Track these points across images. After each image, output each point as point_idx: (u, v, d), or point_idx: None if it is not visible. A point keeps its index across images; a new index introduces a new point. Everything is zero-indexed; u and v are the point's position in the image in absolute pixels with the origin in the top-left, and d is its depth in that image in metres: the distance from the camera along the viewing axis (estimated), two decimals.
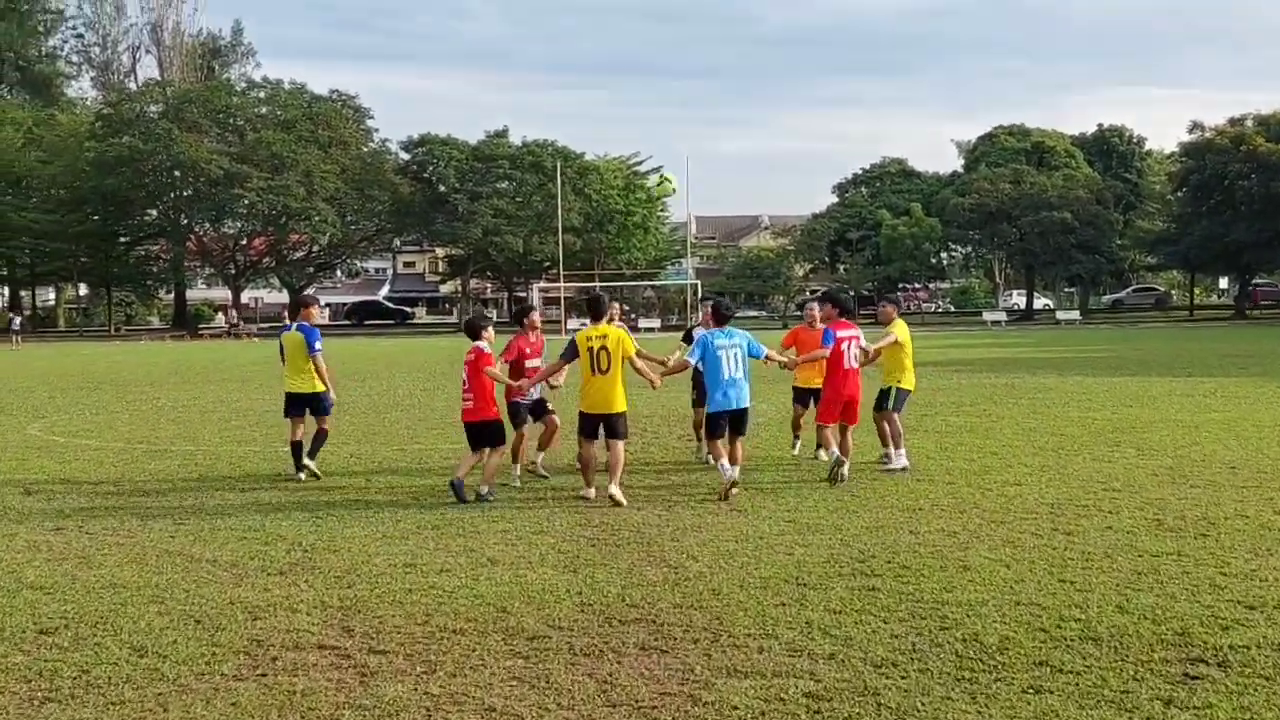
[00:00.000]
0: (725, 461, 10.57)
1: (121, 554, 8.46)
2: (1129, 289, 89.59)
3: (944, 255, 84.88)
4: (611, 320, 11.09)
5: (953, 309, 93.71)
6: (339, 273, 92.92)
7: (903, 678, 5.59)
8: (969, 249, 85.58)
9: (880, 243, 77.40)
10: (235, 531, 9.20)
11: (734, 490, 10.39)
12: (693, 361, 10.95)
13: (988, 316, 75.10)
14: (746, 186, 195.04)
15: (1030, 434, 14.65)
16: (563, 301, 68.70)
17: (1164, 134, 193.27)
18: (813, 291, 64.76)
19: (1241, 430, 14.62)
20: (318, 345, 11.97)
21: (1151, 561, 7.77)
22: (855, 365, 11.67)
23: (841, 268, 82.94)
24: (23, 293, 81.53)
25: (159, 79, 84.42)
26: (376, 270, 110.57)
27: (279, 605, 6.98)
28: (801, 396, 12.99)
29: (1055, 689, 5.41)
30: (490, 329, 11.24)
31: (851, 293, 53.35)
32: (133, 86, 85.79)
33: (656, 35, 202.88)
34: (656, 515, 9.66)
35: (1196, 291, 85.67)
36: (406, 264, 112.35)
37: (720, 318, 11.27)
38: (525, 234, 74.26)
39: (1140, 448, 13.22)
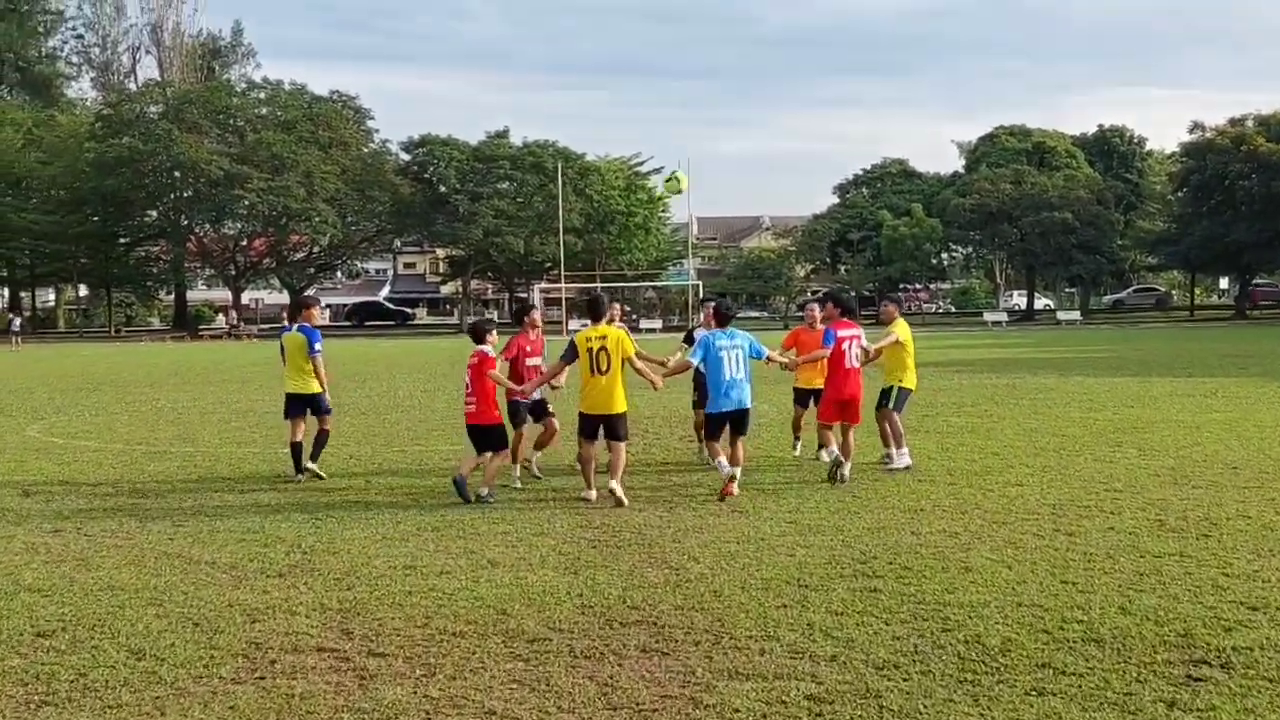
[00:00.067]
0: (723, 459, 10.58)
1: (120, 556, 8.43)
2: (1129, 289, 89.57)
3: (945, 256, 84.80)
4: (612, 321, 11.08)
5: (953, 309, 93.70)
6: (339, 274, 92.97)
7: (905, 680, 5.56)
8: (970, 249, 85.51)
9: (881, 243, 77.34)
10: (234, 533, 9.17)
11: (734, 488, 10.38)
12: (695, 362, 10.93)
13: (988, 317, 75.08)
14: (747, 187, 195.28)
15: (1031, 434, 14.62)
16: (564, 302, 68.66)
17: (1164, 134, 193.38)
18: (814, 292, 64.75)
19: (1243, 430, 14.59)
20: (318, 346, 11.98)
21: (1154, 562, 7.74)
22: (856, 365, 11.66)
23: (842, 268, 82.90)
24: (23, 294, 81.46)
25: (159, 80, 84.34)
26: (377, 271, 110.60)
27: (278, 608, 6.95)
28: (802, 397, 12.97)
29: (1058, 691, 5.38)
30: (494, 333, 11.22)
31: (853, 293, 53.30)
32: (133, 87, 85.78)
33: (657, 36, 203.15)
34: (658, 516, 9.63)
35: (1197, 292, 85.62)
36: (407, 265, 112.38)
37: (722, 318, 11.29)
38: (526, 235, 74.18)
39: (1142, 448, 13.19)
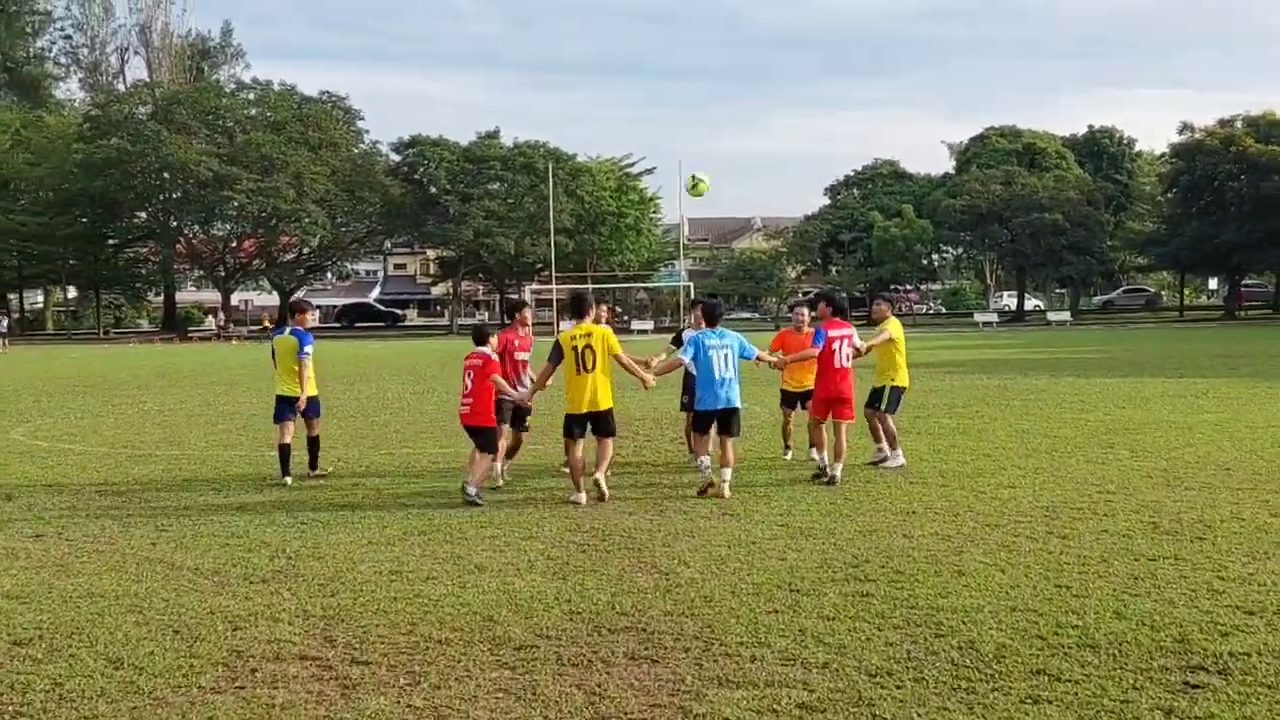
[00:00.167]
0: (705, 459, 10.73)
1: (101, 561, 8.30)
2: (1119, 290, 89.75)
3: (935, 257, 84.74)
4: (599, 320, 11.13)
5: (944, 310, 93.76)
6: (329, 275, 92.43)
7: (898, 687, 5.46)
8: (960, 250, 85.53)
9: (872, 244, 77.32)
10: (218, 538, 9.04)
11: (726, 490, 10.43)
12: (686, 360, 10.95)
13: (979, 318, 75.17)
14: (739, 188, 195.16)
15: (1023, 436, 14.55)
16: (555, 303, 68.48)
17: (1154, 135, 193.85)
18: (804, 294, 64.74)
19: (1235, 431, 14.54)
20: (308, 349, 11.98)
21: (1148, 566, 7.66)
22: (847, 364, 11.62)
23: (834, 269, 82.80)
24: (10, 296, 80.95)
25: (148, 80, 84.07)
26: (367, 272, 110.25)
27: (260, 614, 6.83)
28: (789, 399, 12.91)
29: (1054, 698, 5.29)
30: (495, 336, 11.37)
31: (844, 294, 53.25)
32: (121, 88, 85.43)
33: (648, 36, 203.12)
34: (648, 520, 9.53)
35: (1186, 292, 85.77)
36: (397, 266, 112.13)
37: (711, 319, 11.27)
38: (517, 236, 74.04)
39: (1134, 449, 13.12)
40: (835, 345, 11.52)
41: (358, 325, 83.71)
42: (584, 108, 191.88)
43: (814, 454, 12.07)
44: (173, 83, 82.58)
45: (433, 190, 75.32)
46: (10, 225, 69.57)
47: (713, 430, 10.97)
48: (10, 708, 5.40)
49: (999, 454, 12.96)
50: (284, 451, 11.84)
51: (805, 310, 13.06)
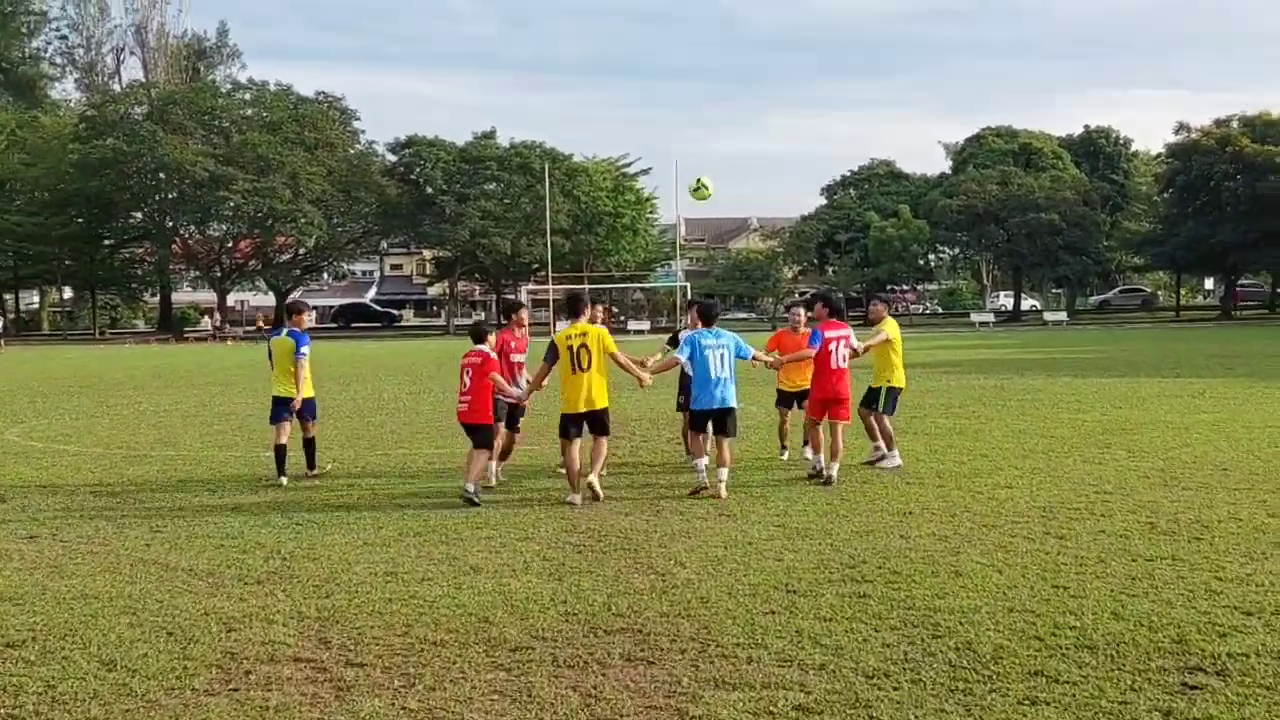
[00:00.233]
0: (701, 461, 10.78)
1: (95, 563, 8.26)
2: (1115, 290, 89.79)
3: (932, 257, 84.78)
4: (595, 320, 11.16)
5: (940, 310, 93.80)
6: (326, 275, 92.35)
7: (895, 689, 5.44)
8: (957, 250, 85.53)
9: (868, 244, 77.30)
10: (213, 539, 9.01)
11: (706, 492, 10.48)
12: (683, 359, 10.97)
13: (975, 318, 75.17)
14: (735, 188, 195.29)
15: (1020, 436, 14.54)
16: (551, 304, 68.44)
17: (1150, 135, 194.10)
18: (801, 293, 64.77)
19: (1231, 431, 14.53)
20: (304, 350, 11.99)
21: (1146, 566, 7.64)
22: (843, 365, 11.62)
23: (830, 269, 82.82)
24: (6, 296, 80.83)
25: (143, 80, 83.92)
26: (363, 272, 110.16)
27: (255, 616, 6.80)
28: (785, 399, 12.94)
29: (1052, 700, 5.27)
30: (494, 335, 11.40)
31: (840, 294, 53.23)
32: (117, 88, 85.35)
33: (644, 36, 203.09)
34: (644, 520, 9.50)
35: (1182, 292, 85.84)
36: (394, 266, 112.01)
37: (707, 318, 11.28)
38: (513, 236, 73.98)
39: (1131, 449, 13.11)
40: (832, 346, 11.52)
41: (354, 326, 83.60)
42: (580, 108, 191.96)
43: (808, 453, 12.08)
44: (168, 83, 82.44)
45: (429, 190, 75.25)
46: (6, 226, 69.46)
47: (709, 431, 10.98)
48: (2, 710, 5.36)
49: (996, 454, 12.94)
50: (280, 452, 11.82)
51: (802, 310, 13.09)
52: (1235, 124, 69.87)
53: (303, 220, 72.08)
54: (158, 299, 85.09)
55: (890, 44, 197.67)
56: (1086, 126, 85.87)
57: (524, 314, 12.50)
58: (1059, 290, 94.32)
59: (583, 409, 10.49)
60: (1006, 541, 8.45)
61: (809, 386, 11.99)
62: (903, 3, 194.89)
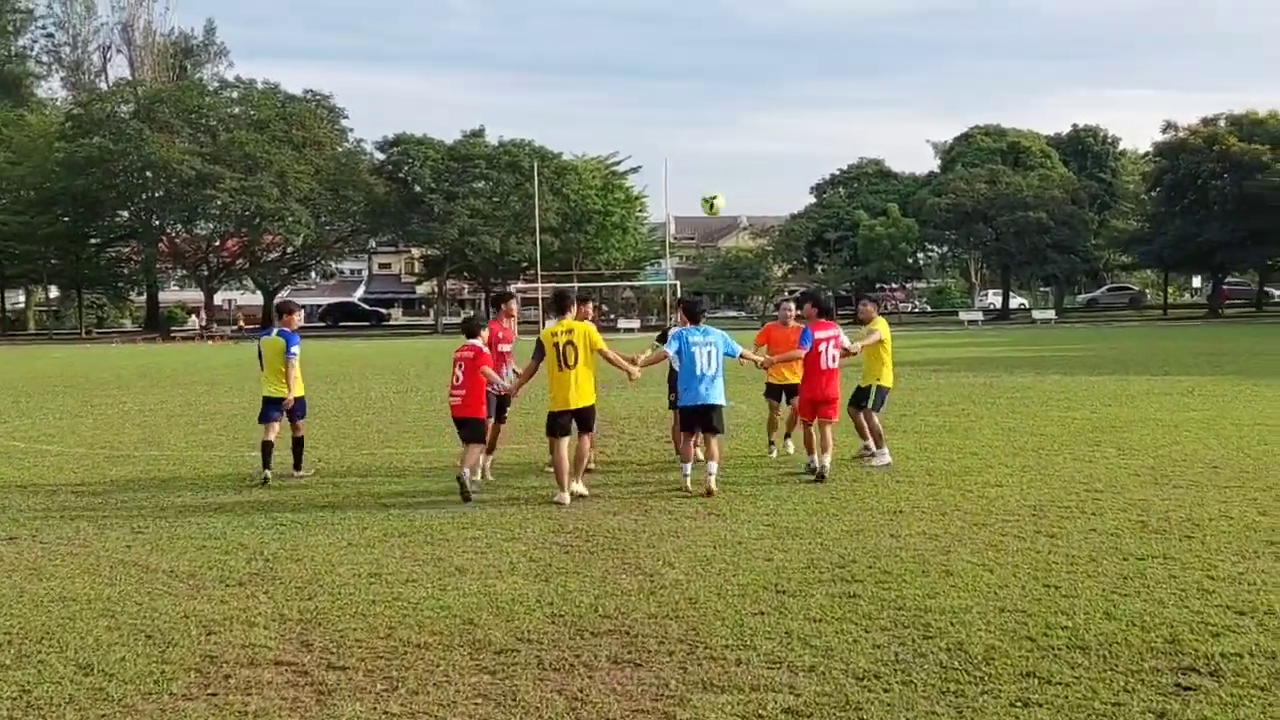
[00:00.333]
0: (686, 466, 10.81)
1: (74, 564, 8.14)
2: (1103, 288, 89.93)
3: (921, 255, 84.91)
4: (584, 318, 11.15)
5: (929, 309, 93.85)
6: (314, 274, 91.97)
7: (885, 690, 5.36)
8: (945, 249, 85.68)
9: (858, 243, 77.37)
10: (195, 540, 8.89)
11: (713, 483, 10.44)
12: (670, 351, 11.02)
13: (964, 316, 75.22)
14: (725, 187, 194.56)
15: (1010, 434, 14.48)
16: (540, 302, 68.30)
17: (1138, 134, 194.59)
18: (791, 291, 64.70)
19: (1221, 429, 14.50)
20: (294, 350, 11.95)
21: (1137, 565, 7.58)
22: (834, 365, 11.62)
23: (819, 268, 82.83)
24: None
25: (130, 79, 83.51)
26: (352, 271, 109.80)
27: (235, 619, 6.69)
28: (774, 391, 13.00)
29: (1044, 701, 5.19)
30: (486, 331, 11.40)
31: (830, 293, 53.24)
32: (103, 86, 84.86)
33: (636, 36, 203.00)
34: (632, 520, 9.41)
35: (1170, 290, 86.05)
36: (382, 265, 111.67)
37: (692, 316, 11.27)
38: (502, 234, 73.82)
39: (1121, 447, 13.06)
40: (822, 347, 11.55)
41: (342, 325, 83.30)
42: (569, 107, 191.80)
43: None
44: (155, 81, 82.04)
45: (417, 189, 75.02)
46: None
47: (698, 432, 10.96)
48: None
49: (986, 452, 12.88)
50: (266, 448, 11.77)
51: (792, 306, 13.11)
52: (1222, 123, 70.00)
53: (290, 219, 71.75)
54: (144, 298, 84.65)
55: (879, 44, 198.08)
56: (1074, 125, 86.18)
57: (513, 304, 12.57)
58: (1047, 288, 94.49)
59: (569, 406, 10.47)
60: (997, 540, 8.38)
61: (798, 382, 12.03)
62: (892, 3, 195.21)
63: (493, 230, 73.13)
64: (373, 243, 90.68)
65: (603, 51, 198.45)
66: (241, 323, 79.47)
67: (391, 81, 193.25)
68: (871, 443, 12.25)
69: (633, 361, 11.23)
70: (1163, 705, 5.12)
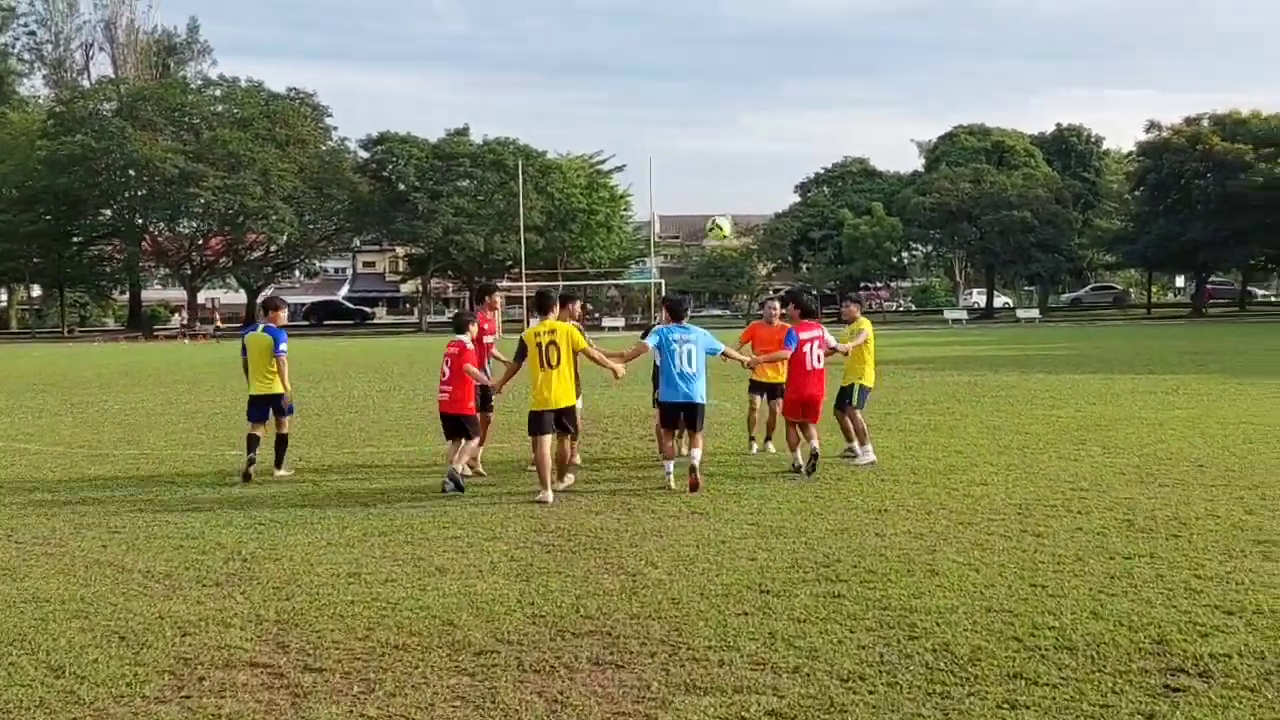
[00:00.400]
0: (669, 464, 10.77)
1: (49, 565, 8.01)
2: (1087, 287, 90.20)
3: (905, 254, 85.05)
4: (571, 318, 11.12)
5: (914, 307, 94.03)
6: (297, 273, 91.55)
7: (870, 692, 5.28)
8: (930, 248, 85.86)
9: (842, 242, 77.42)
10: (172, 540, 8.76)
11: (698, 477, 10.43)
12: (651, 345, 11.01)
13: (948, 315, 75.36)
14: (710, 186, 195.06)
15: (995, 432, 14.44)
16: (524, 301, 68.10)
17: (1122, 134, 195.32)
18: (775, 290, 64.71)
19: (1206, 427, 14.49)
20: (283, 347, 11.86)
21: (1124, 564, 7.52)
22: (819, 366, 11.60)
23: (804, 267, 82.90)
24: None
25: (113, 76, 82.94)
26: (336, 270, 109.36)
27: (211, 620, 6.57)
28: (757, 387, 13.06)
29: (1031, 703, 5.12)
30: (474, 326, 11.39)
31: (814, 292, 53.23)
32: (86, 84, 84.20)
33: (621, 35, 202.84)
34: (614, 519, 9.32)
35: (1154, 290, 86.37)
36: (366, 264, 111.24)
37: (675, 314, 11.24)
38: (487, 233, 73.63)
39: (1106, 446, 13.03)
40: (807, 348, 11.55)
41: (326, 323, 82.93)
42: (553, 106, 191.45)
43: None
44: (138, 79, 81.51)
45: (401, 187, 74.76)
46: None
47: (679, 430, 10.94)
48: None
49: (971, 451, 12.83)
50: (252, 440, 11.73)
51: (777, 304, 13.09)
52: (1205, 123, 70.24)
53: (274, 217, 71.40)
54: (127, 297, 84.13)
55: (864, 44, 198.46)
56: (1058, 125, 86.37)
57: (497, 297, 12.59)
58: (1031, 287, 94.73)
59: (551, 406, 10.44)
60: (983, 539, 8.31)
61: (782, 381, 12.04)
62: (876, 3, 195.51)
63: (477, 229, 72.93)
64: (357, 241, 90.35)
65: (582, 51, 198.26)
66: (218, 321, 78.90)
67: (367, 80, 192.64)
68: (855, 444, 12.20)
69: (618, 358, 11.18)
70: (1151, 707, 5.06)
